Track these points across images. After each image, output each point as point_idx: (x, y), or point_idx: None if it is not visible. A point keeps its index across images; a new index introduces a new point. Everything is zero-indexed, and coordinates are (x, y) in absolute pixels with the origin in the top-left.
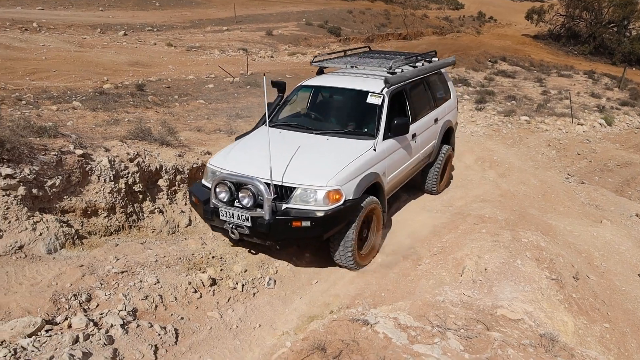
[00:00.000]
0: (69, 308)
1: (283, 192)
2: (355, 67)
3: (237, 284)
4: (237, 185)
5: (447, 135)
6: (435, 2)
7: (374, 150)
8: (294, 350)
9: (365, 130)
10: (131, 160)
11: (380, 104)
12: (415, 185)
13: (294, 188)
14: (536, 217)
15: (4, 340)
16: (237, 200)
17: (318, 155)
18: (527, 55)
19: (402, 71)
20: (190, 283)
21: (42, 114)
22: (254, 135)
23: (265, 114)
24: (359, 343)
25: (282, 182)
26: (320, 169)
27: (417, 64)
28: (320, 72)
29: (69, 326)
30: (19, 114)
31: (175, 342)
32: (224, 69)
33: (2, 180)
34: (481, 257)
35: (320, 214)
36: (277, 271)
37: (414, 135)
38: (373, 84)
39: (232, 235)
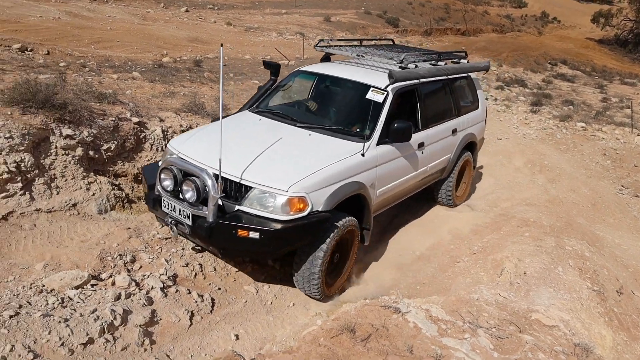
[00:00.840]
0: (114, 267)
1: (240, 191)
2: (362, 56)
3: (275, 262)
4: (185, 175)
5: (468, 148)
6: None
7: (362, 155)
8: (324, 328)
9: (357, 130)
10: (183, 132)
11: (381, 102)
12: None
13: (250, 187)
14: (583, 226)
15: (53, 289)
16: (180, 194)
17: (291, 153)
18: (590, 60)
19: (415, 67)
20: None
21: (103, 81)
22: (231, 120)
23: (253, 96)
24: (388, 329)
25: (241, 178)
26: (286, 169)
27: (439, 63)
28: (326, 59)
29: (113, 284)
30: (82, 79)
31: (211, 311)
32: (280, 51)
33: (63, 140)
34: (521, 260)
35: (274, 226)
36: None
37: (421, 145)
38: (377, 78)
39: (172, 232)
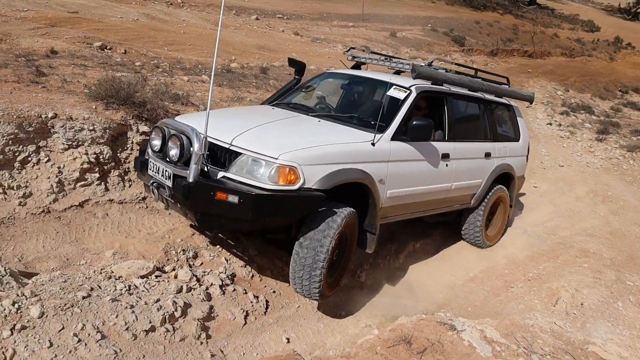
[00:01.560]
0: (177, 261)
1: (229, 158)
2: (390, 60)
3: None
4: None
5: (504, 182)
6: (569, 22)
7: (372, 144)
8: (381, 338)
9: (372, 122)
10: None
11: (402, 99)
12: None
13: (239, 154)
14: None
15: (121, 276)
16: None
17: (291, 130)
18: None
19: (446, 71)
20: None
21: (174, 82)
22: (241, 107)
23: (275, 93)
24: (443, 345)
25: (231, 144)
26: (281, 140)
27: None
28: (357, 67)
29: (175, 277)
30: (156, 79)
31: (265, 312)
32: (344, 63)
33: (139, 136)
34: (579, 291)
35: (256, 191)
36: (369, 266)
37: (445, 156)
38: (402, 80)
39: (152, 195)
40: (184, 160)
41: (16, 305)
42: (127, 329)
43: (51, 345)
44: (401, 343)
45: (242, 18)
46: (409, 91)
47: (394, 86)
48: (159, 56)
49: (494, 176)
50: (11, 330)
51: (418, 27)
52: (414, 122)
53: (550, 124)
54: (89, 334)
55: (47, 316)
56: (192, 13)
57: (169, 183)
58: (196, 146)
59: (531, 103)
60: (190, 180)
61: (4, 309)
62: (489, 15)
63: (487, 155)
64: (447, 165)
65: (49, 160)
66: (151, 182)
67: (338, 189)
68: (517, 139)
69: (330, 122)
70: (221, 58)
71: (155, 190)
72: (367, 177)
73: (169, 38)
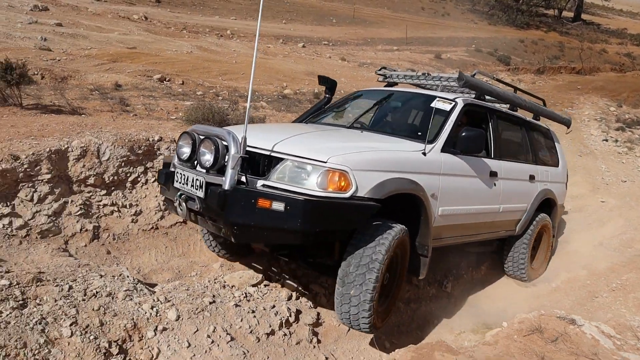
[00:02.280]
0: (281, 269)
1: (267, 166)
2: (427, 76)
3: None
4: None
5: (546, 211)
6: (616, 37)
7: (423, 154)
8: (512, 329)
9: (419, 134)
10: None
11: (448, 110)
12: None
13: (281, 159)
14: None
15: (234, 285)
16: (197, 161)
17: (336, 137)
18: None
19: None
20: None
21: (239, 108)
22: (274, 124)
23: (305, 112)
24: (570, 336)
25: (272, 151)
26: (328, 144)
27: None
28: (390, 86)
29: (282, 285)
30: (220, 106)
31: None
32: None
33: None
34: None
35: (305, 197)
36: (453, 277)
37: (493, 175)
38: (444, 94)
39: (179, 211)
40: (218, 167)
41: (154, 309)
42: (251, 332)
43: (189, 345)
44: (535, 332)
45: (290, 46)
46: (454, 102)
47: (438, 98)
48: (214, 85)
49: (538, 201)
50: (154, 331)
51: (462, 48)
52: (464, 133)
53: (607, 140)
54: (220, 336)
55: (182, 319)
56: (241, 44)
57: (201, 193)
58: (233, 149)
59: (569, 127)
60: (227, 187)
61: (145, 312)
62: (533, 34)
63: (532, 178)
64: (495, 184)
65: (155, 181)
66: (178, 194)
67: (387, 204)
68: (556, 164)
69: (374, 133)
70: (273, 85)
71: (184, 204)
72: (420, 190)
73: (222, 68)
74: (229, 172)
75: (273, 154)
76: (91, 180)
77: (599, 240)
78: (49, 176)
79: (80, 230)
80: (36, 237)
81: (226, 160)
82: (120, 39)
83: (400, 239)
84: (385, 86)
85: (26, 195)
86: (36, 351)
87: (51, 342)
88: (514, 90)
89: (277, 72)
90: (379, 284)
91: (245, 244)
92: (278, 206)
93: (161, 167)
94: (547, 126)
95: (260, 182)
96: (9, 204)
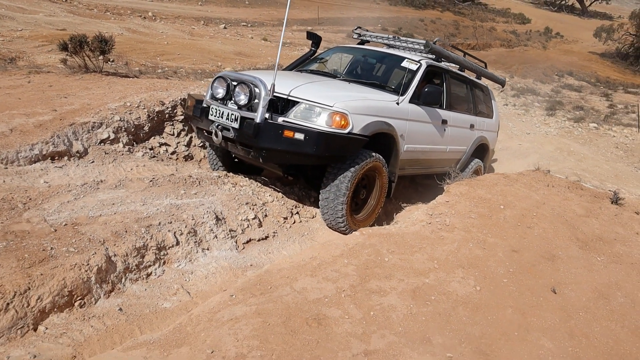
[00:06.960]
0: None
1: (285, 106)
2: (396, 40)
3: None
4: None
5: (480, 153)
6: (502, 16)
7: (397, 104)
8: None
9: (392, 87)
10: None
11: (415, 69)
12: None
13: (297, 102)
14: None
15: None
16: (231, 100)
17: (333, 86)
18: (594, 72)
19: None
20: None
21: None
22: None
23: (292, 62)
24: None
25: (289, 95)
26: (332, 93)
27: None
28: (362, 44)
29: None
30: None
31: None
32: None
33: None
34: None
35: (319, 129)
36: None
37: (444, 122)
38: (411, 55)
39: (215, 138)
40: (249, 105)
41: None
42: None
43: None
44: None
45: (212, 27)
46: (419, 64)
47: (407, 59)
48: (156, 66)
49: (475, 145)
50: None
51: (369, 27)
52: (427, 89)
53: (507, 105)
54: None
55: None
56: (167, 25)
57: (236, 125)
58: (264, 92)
59: (503, 86)
60: (259, 120)
61: None
62: (430, 13)
63: (472, 126)
64: (445, 130)
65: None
66: (215, 125)
67: (370, 140)
68: (491, 117)
69: (357, 84)
70: (209, 65)
71: (219, 133)
72: (393, 130)
73: (157, 49)
74: (260, 109)
75: (290, 98)
76: None
77: (525, 167)
78: (182, 117)
79: (204, 157)
80: (182, 159)
81: (255, 100)
82: (48, 20)
83: (372, 163)
84: (357, 44)
85: (170, 131)
86: None
87: None
88: (463, 54)
89: (209, 52)
90: (350, 192)
91: (259, 166)
92: (299, 136)
93: (196, 102)
94: (486, 85)
95: (280, 118)
96: (162, 136)
